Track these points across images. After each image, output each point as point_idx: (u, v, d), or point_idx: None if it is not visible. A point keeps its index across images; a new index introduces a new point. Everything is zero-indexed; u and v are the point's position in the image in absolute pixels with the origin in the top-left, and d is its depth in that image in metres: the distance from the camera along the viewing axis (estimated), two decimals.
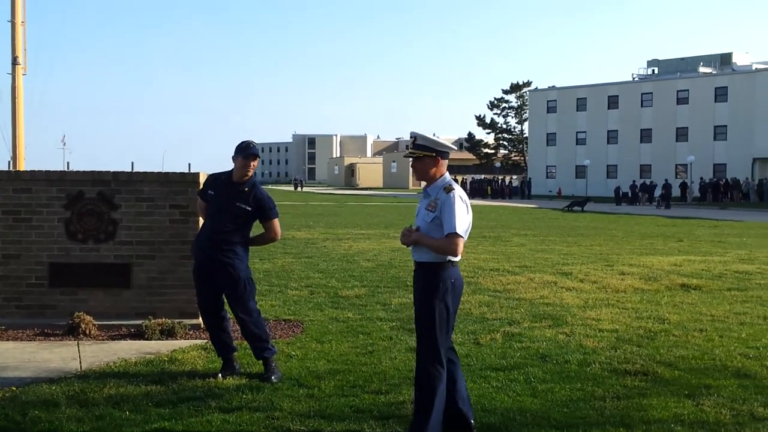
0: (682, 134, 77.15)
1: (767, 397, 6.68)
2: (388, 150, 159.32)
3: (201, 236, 7.42)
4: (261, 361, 7.28)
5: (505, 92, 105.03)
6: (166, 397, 6.55)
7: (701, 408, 6.38)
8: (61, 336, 8.80)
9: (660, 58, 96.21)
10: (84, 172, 9.66)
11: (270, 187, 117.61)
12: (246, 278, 7.24)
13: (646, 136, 80.00)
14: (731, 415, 6.23)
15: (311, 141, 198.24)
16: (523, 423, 6.03)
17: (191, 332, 8.94)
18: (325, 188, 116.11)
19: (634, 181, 66.97)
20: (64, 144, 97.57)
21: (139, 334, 8.79)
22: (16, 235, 9.33)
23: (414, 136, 5.67)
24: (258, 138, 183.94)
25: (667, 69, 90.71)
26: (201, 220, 7.91)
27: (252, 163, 7.22)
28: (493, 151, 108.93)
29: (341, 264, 16.11)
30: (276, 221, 7.46)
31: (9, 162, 24.74)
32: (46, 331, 8.99)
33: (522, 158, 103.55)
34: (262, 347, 7.23)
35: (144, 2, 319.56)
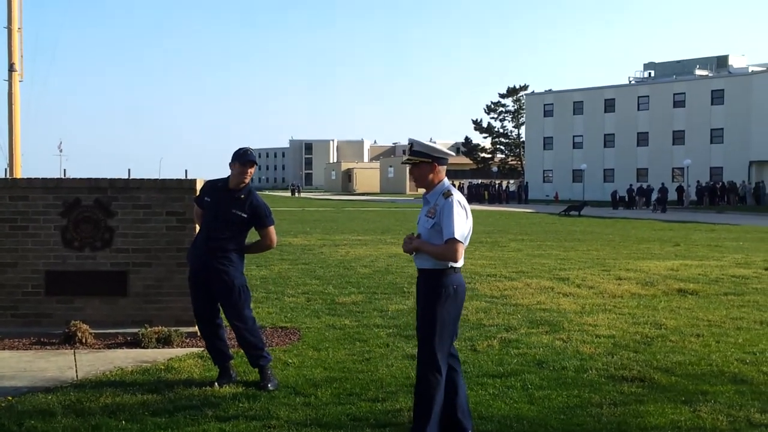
0: (678, 137, 77.28)
1: (764, 403, 6.68)
2: (385, 155, 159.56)
3: (197, 243, 7.42)
4: (257, 369, 7.27)
5: (502, 96, 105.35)
6: (163, 406, 6.54)
7: (698, 414, 6.38)
8: (57, 345, 8.77)
9: (656, 61, 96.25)
10: (80, 179, 9.64)
11: (267, 193, 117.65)
12: (241, 286, 7.24)
13: (642, 139, 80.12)
14: (728, 421, 6.23)
15: (308, 146, 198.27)
16: (519, 430, 6.02)
17: (188, 340, 8.93)
18: (322, 194, 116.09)
19: (631, 185, 67.02)
20: (61, 151, 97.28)
21: (135, 343, 8.78)
22: (13, 243, 9.32)
23: (411, 143, 5.70)
24: (255, 143, 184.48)
25: (664, 72, 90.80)
26: (197, 227, 7.90)
27: (249, 170, 7.23)
28: (490, 156, 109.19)
29: (338, 270, 16.10)
30: (272, 229, 7.45)
31: (5, 169, 24.69)
32: (42, 339, 8.97)
33: (519, 162, 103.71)
34: (258, 355, 7.22)
35: (140, 9, 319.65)
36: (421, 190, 5.76)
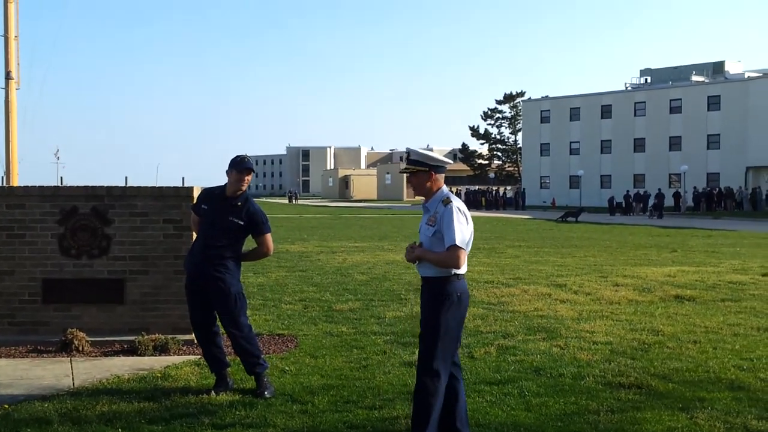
0: (675, 143, 77.34)
1: (761, 410, 6.68)
2: (382, 161, 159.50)
3: (194, 251, 7.41)
4: (253, 377, 7.27)
5: (499, 102, 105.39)
6: (159, 414, 6.53)
7: (695, 421, 6.38)
8: (54, 353, 8.76)
9: (653, 67, 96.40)
10: (77, 187, 9.64)
11: (264, 199, 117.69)
12: (237, 293, 7.23)
13: (639, 145, 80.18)
14: (725, 428, 6.23)
15: (305, 153, 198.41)
16: None
17: (185, 348, 8.92)
18: (319, 200, 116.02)
19: (627, 191, 67.02)
20: (58, 158, 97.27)
21: (132, 350, 8.77)
22: (9, 251, 9.31)
23: (408, 152, 5.73)
24: (252, 150, 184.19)
25: (660, 78, 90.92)
26: (194, 235, 7.90)
27: (246, 178, 7.23)
28: (487, 162, 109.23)
29: (335, 277, 16.10)
30: (268, 236, 7.45)
31: (2, 177, 24.72)
32: (38, 347, 8.96)
33: (516, 169, 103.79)
34: (254, 362, 7.22)
35: (137, 17, 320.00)
36: (420, 197, 5.78)
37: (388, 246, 24.97)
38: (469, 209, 5.75)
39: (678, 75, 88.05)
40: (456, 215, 5.44)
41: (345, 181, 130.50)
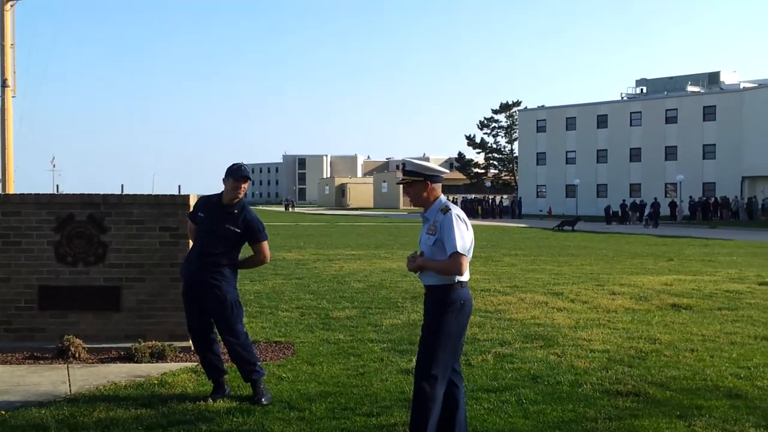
0: (671, 153, 77.55)
1: (759, 418, 6.68)
2: (379, 170, 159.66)
3: (190, 258, 7.41)
4: (250, 384, 7.26)
5: (495, 112, 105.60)
6: (156, 420, 6.52)
7: (693, 429, 6.37)
8: (50, 359, 8.75)
9: (649, 78, 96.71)
10: (74, 194, 9.63)
11: (261, 207, 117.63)
12: (233, 301, 7.23)
13: (635, 155, 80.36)
14: None
15: (301, 161, 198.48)
16: None
17: (181, 355, 8.91)
18: (315, 208, 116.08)
19: (624, 200, 67.18)
20: (54, 166, 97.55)
21: (129, 357, 8.75)
22: (6, 258, 9.29)
23: (403, 163, 5.76)
24: (248, 159, 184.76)
25: (656, 88, 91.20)
26: (191, 243, 7.90)
27: (243, 186, 7.24)
28: (483, 171, 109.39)
29: (332, 285, 16.09)
30: (265, 244, 7.45)
31: None
32: (35, 354, 8.94)
33: (512, 178, 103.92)
34: (250, 370, 7.21)
35: (133, 24, 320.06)
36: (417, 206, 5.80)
37: (384, 254, 24.96)
38: None
39: (674, 85, 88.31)
40: (456, 222, 5.46)
41: (341, 190, 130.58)
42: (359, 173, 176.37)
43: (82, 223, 9.35)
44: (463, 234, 5.48)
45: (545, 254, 25.91)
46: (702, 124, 75.19)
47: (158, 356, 8.73)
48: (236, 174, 7.20)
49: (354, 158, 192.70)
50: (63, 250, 9.31)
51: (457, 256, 5.38)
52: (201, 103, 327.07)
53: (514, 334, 10.46)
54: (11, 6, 22.92)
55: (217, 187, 7.46)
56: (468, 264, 5.52)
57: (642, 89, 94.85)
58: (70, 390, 7.53)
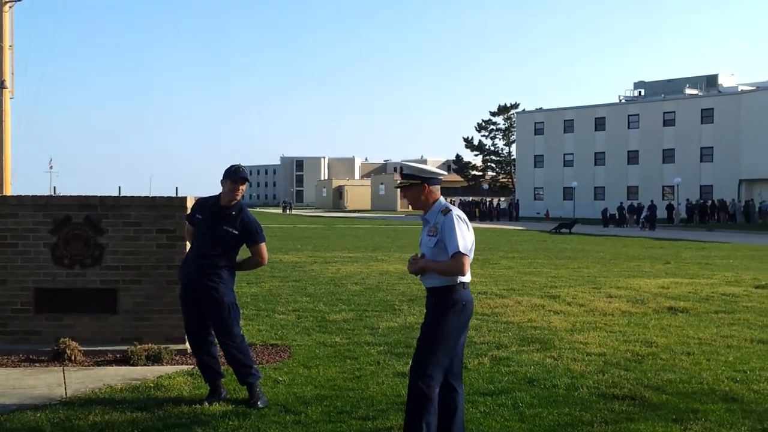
0: (668, 156, 77.63)
1: (754, 422, 6.68)
2: (376, 172, 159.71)
3: (188, 260, 7.41)
4: (246, 387, 7.25)
5: (493, 114, 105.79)
6: (152, 423, 6.51)
7: None
8: (46, 362, 8.73)
9: (646, 80, 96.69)
10: (71, 196, 9.62)
11: (258, 209, 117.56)
12: (230, 303, 7.22)
13: (633, 157, 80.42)
14: None
15: (299, 163, 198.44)
16: None
17: (177, 358, 8.90)
18: (313, 211, 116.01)
19: (621, 203, 67.21)
20: (51, 168, 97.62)
21: (125, 360, 8.74)
22: (2, 260, 9.27)
23: (401, 166, 5.77)
24: (246, 160, 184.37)
25: (654, 91, 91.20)
26: (188, 245, 7.89)
27: (241, 187, 7.24)
28: (481, 173, 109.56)
29: (329, 288, 16.08)
30: (263, 245, 7.45)
31: None
32: (31, 357, 8.92)
33: (510, 180, 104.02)
34: (246, 372, 7.20)
35: (131, 26, 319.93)
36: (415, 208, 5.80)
37: (381, 256, 24.96)
38: None
39: (671, 88, 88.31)
40: (457, 223, 5.47)
41: (339, 192, 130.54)
42: (357, 175, 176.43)
43: (79, 225, 9.33)
44: (465, 234, 5.48)
45: (542, 257, 25.92)
46: (699, 127, 75.28)
47: (154, 359, 8.72)
48: (234, 176, 7.19)
49: (351, 160, 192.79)
50: (60, 252, 9.30)
51: (459, 255, 5.39)
52: (199, 105, 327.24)
53: (510, 338, 10.46)
54: (10, 7, 22.88)
55: (214, 188, 7.45)
56: (469, 264, 5.51)
57: (640, 92, 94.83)
58: (66, 393, 7.51)
